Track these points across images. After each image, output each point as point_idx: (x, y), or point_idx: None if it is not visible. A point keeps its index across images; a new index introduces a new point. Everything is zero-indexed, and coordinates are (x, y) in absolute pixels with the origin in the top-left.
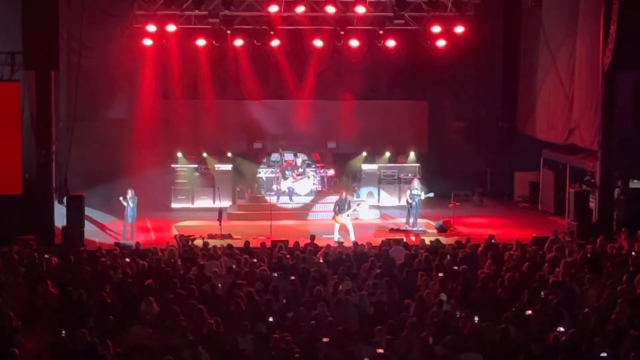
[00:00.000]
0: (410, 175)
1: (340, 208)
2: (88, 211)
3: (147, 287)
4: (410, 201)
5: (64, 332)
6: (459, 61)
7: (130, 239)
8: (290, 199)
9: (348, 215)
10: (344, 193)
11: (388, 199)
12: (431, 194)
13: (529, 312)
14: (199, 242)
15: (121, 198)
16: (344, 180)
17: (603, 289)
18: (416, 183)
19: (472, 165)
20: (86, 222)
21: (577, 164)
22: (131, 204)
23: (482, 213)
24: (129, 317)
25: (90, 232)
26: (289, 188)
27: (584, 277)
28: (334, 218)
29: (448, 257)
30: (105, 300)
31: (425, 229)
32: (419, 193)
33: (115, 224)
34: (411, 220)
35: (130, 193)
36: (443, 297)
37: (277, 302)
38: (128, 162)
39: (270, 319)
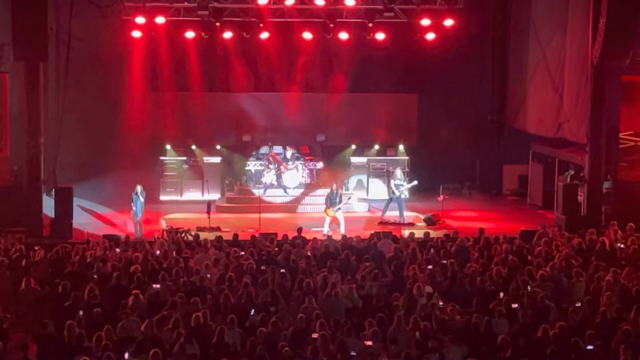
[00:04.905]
0: (391, 167)
1: (331, 201)
2: (86, 204)
3: (135, 279)
4: (396, 192)
5: (51, 324)
6: (448, 54)
7: (139, 232)
8: (285, 192)
9: (339, 208)
10: (335, 186)
11: (377, 191)
12: (415, 182)
13: (515, 305)
14: (189, 235)
15: (134, 194)
16: (332, 172)
17: (591, 282)
18: (399, 173)
19: (461, 158)
20: (88, 215)
21: (566, 158)
22: (142, 199)
23: (470, 206)
24: (117, 310)
25: (86, 224)
26: (278, 181)
27: (572, 271)
28: (325, 211)
29: (432, 250)
30: (93, 293)
31: (413, 222)
32: (402, 183)
33: (107, 216)
34: (404, 213)
35: (139, 188)
36: (429, 289)
37: (266, 295)
38: (117, 154)
39: (259, 312)
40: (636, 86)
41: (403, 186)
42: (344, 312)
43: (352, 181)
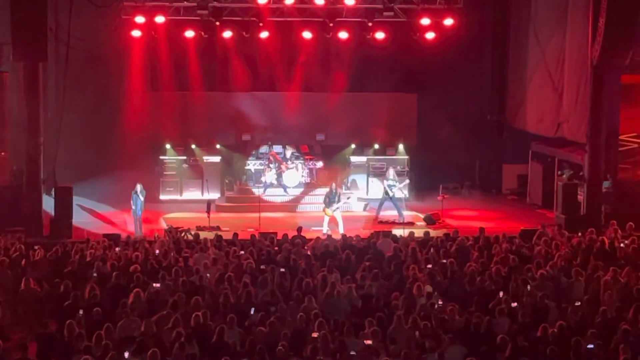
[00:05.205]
0: (399, 167)
1: (330, 200)
2: (85, 203)
3: (135, 278)
4: (389, 192)
5: (51, 323)
6: (448, 54)
7: (140, 231)
8: (285, 191)
9: (338, 208)
10: (334, 185)
11: (376, 191)
12: (407, 181)
13: (515, 304)
14: (189, 234)
15: (133, 193)
16: (332, 172)
17: (590, 282)
18: (391, 173)
19: (460, 158)
20: (88, 215)
21: (566, 157)
22: (141, 198)
23: (470, 206)
24: (117, 309)
25: (86, 223)
26: (278, 180)
27: (572, 270)
28: (324, 210)
29: (432, 249)
30: (94, 292)
31: (413, 221)
32: (395, 183)
33: (107, 215)
34: (402, 212)
35: (139, 187)
36: (429, 289)
37: (265, 294)
38: (116, 153)
39: (258, 312)
40: (636, 88)
41: (395, 186)
42: (344, 312)
43: (348, 180)
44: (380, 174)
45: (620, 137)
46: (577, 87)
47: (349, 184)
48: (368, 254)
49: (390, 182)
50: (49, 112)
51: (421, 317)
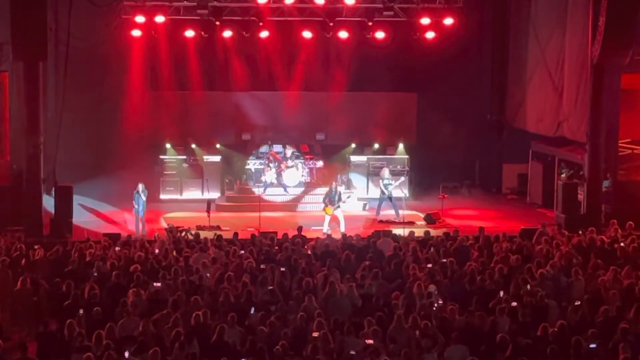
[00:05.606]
0: (399, 166)
1: (330, 199)
2: (86, 202)
3: (135, 278)
4: (385, 192)
5: (52, 323)
6: (448, 53)
7: (142, 231)
8: (285, 190)
9: (339, 207)
10: (335, 184)
11: (376, 190)
12: (402, 179)
13: (514, 304)
14: (190, 234)
15: (135, 193)
16: (332, 171)
17: (591, 281)
18: (386, 172)
19: (460, 157)
20: (88, 214)
21: (566, 156)
22: (143, 197)
23: (470, 205)
24: (117, 308)
25: (87, 222)
26: (278, 179)
27: (572, 270)
28: (324, 209)
29: (432, 249)
30: (94, 291)
31: (413, 221)
32: (391, 182)
33: (108, 214)
34: (400, 211)
35: (141, 186)
36: (432, 288)
37: (266, 294)
38: (116, 153)
39: (259, 311)
40: (634, 93)
41: (392, 184)
42: (345, 311)
43: (345, 179)
44: (377, 173)
45: None
46: (577, 87)
47: (345, 181)
48: (368, 254)
49: (386, 181)
50: (49, 112)
51: (421, 317)
